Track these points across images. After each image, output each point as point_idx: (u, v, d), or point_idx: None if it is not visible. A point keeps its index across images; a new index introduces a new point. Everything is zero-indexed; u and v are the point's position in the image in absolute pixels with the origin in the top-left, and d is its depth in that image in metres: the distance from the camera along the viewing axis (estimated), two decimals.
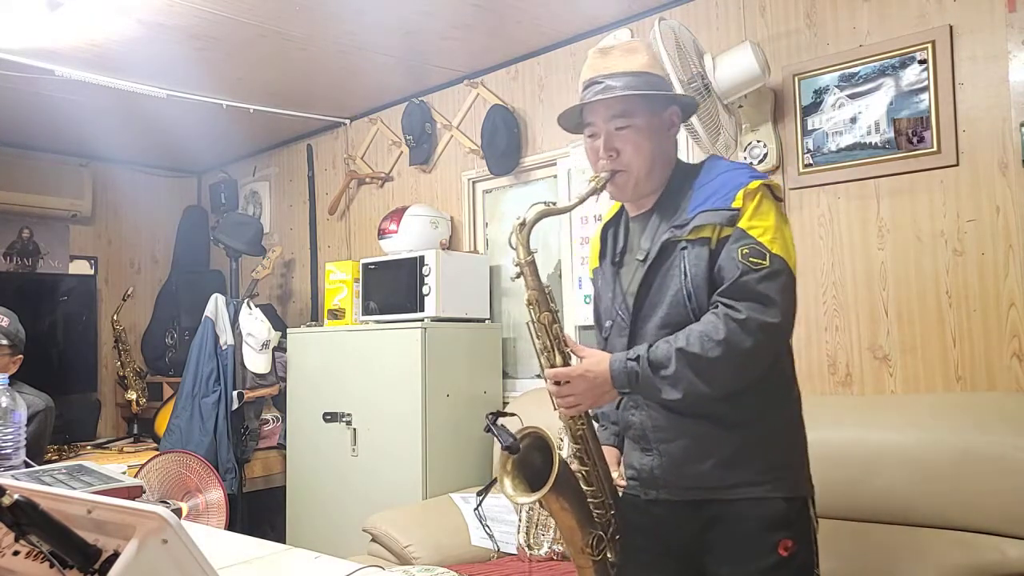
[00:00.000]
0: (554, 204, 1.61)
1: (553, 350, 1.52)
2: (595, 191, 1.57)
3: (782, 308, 1.41)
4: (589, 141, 1.60)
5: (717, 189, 1.49)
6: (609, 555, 1.57)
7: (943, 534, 1.97)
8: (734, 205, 1.45)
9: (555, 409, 1.54)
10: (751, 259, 1.41)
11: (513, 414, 1.55)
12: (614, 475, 1.62)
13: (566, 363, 1.51)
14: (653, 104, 1.56)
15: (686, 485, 1.50)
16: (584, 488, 1.56)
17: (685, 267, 1.47)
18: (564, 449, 1.60)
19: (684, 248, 1.48)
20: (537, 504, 2.80)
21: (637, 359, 1.44)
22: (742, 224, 1.43)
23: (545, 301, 1.54)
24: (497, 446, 3.15)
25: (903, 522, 2.04)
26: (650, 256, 1.53)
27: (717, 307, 1.42)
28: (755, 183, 1.46)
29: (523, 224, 1.56)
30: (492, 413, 1.51)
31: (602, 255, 1.69)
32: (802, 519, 1.48)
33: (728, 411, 1.46)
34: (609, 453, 1.66)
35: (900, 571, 1.98)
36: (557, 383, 1.49)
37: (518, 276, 1.56)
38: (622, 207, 1.69)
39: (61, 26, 2.97)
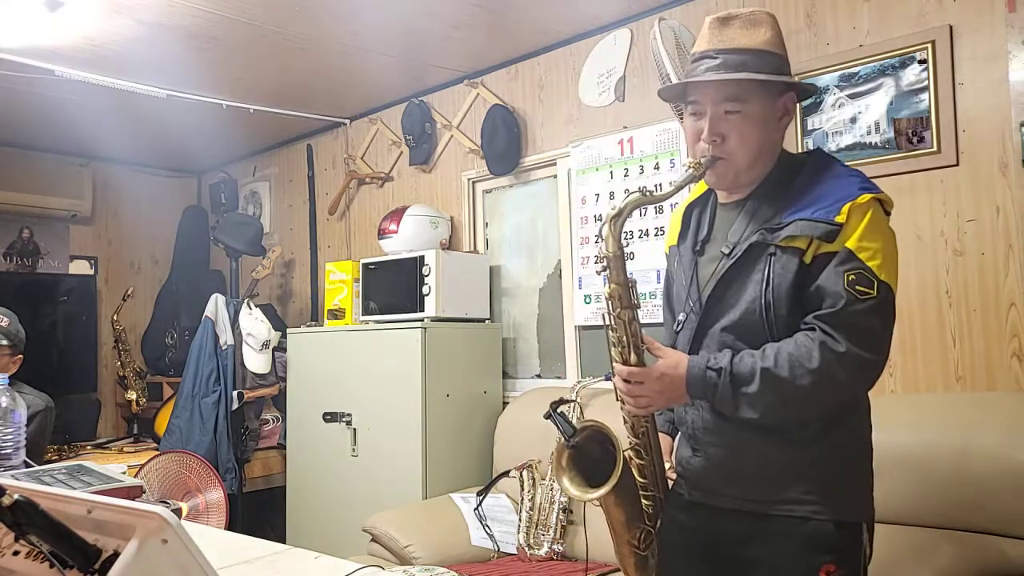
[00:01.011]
0: (651, 192, 1.45)
1: (628, 347, 1.43)
2: (693, 178, 1.43)
3: (884, 344, 1.33)
4: (691, 119, 1.45)
5: (822, 196, 1.35)
6: (654, 548, 1.54)
7: (943, 534, 1.97)
8: (838, 219, 1.31)
9: (620, 404, 1.47)
10: (858, 287, 1.29)
11: (573, 400, 1.51)
12: (666, 466, 1.57)
13: (640, 362, 1.43)
14: (769, 89, 1.41)
15: (728, 493, 1.43)
16: (639, 480, 1.53)
17: (769, 275, 1.36)
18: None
19: (772, 254, 1.36)
20: (539, 504, 2.80)
21: (719, 371, 1.35)
22: (850, 244, 1.31)
23: (628, 297, 1.44)
24: (500, 445, 3.16)
25: (903, 522, 2.04)
26: (735, 254, 1.41)
27: (813, 331, 1.31)
28: (865, 197, 1.33)
29: (618, 214, 1.42)
30: (555, 402, 1.48)
31: (682, 236, 1.57)
32: (852, 545, 1.37)
33: (787, 425, 1.38)
34: (663, 441, 1.60)
35: (900, 571, 1.98)
36: (628, 381, 1.42)
37: (604, 270, 1.45)
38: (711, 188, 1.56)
39: (61, 26, 2.97)
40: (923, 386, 2.32)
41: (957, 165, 2.27)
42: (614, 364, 1.45)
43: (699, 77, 1.41)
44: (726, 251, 1.44)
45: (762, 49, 1.40)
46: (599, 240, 1.45)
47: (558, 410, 1.46)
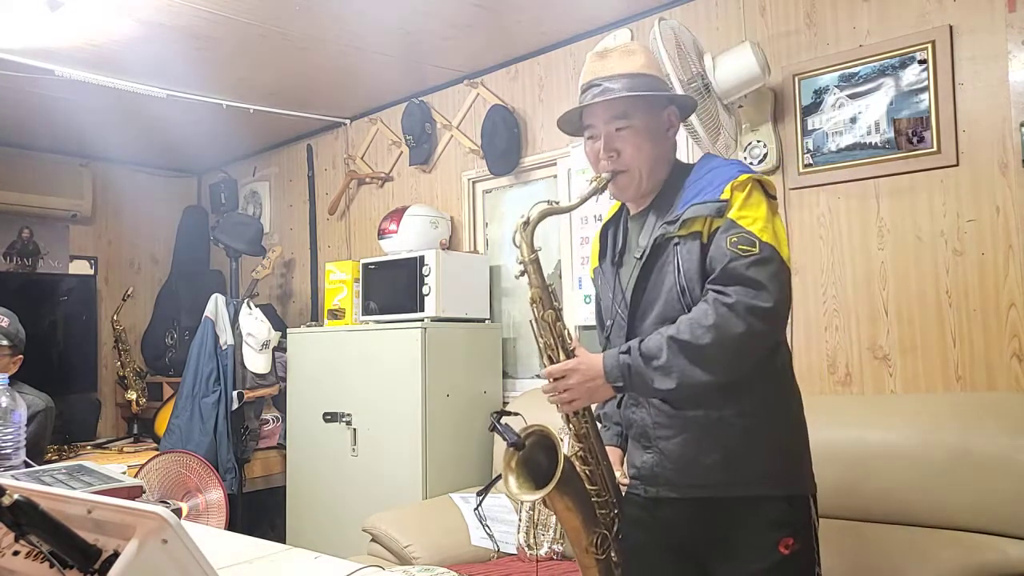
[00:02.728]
0: (557, 203, 1.61)
1: (557, 348, 1.53)
2: (596, 191, 1.58)
3: (774, 293, 1.40)
4: (589, 143, 1.61)
5: (708, 184, 1.50)
6: (613, 554, 1.57)
7: (943, 534, 1.97)
8: (722, 197, 1.45)
9: (552, 403, 1.55)
10: (740, 247, 1.41)
11: (517, 413, 1.55)
12: (617, 474, 1.63)
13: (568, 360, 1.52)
14: (652, 105, 1.57)
15: (686, 483, 1.50)
16: (588, 487, 1.57)
17: (678, 262, 1.48)
18: (565, 445, 1.60)
19: (677, 244, 1.49)
20: (541, 504, 2.80)
21: (628, 351, 1.45)
22: (732, 215, 1.44)
23: (548, 299, 1.55)
24: (499, 445, 3.16)
25: (903, 522, 2.04)
26: (645, 253, 1.54)
27: (707, 294, 1.43)
28: (744, 176, 1.47)
29: (527, 223, 1.57)
30: (496, 412, 1.52)
31: (602, 255, 1.71)
32: (804, 517, 1.48)
33: (728, 409, 1.46)
34: (613, 454, 1.66)
35: (900, 571, 1.98)
36: (555, 378, 1.51)
37: (522, 274, 1.56)
38: (622, 207, 1.70)
39: (61, 26, 2.97)
40: (923, 386, 2.32)
41: (957, 165, 2.27)
42: (544, 367, 1.54)
43: (587, 102, 1.57)
44: (638, 255, 1.56)
45: (638, 72, 1.56)
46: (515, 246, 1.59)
47: (501, 420, 1.49)
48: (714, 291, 1.41)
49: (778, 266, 1.42)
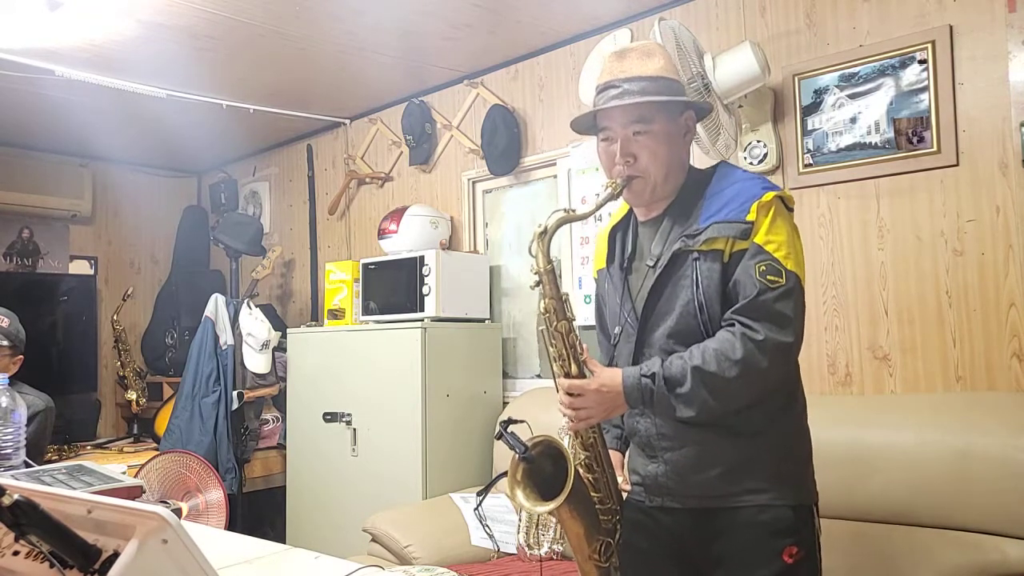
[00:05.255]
0: (573, 211, 1.58)
1: (569, 359, 1.50)
2: (612, 197, 1.55)
3: (796, 327, 1.41)
4: (604, 145, 1.57)
5: (730, 200, 1.47)
6: (615, 559, 1.56)
7: (943, 534, 1.97)
8: (748, 218, 1.43)
9: (564, 417, 1.52)
10: (768, 277, 1.40)
11: (523, 421, 1.53)
12: (619, 479, 1.62)
13: (581, 372, 1.49)
14: (670, 109, 1.54)
15: (691, 493, 1.49)
16: (592, 494, 1.56)
17: (697, 278, 1.46)
18: (565, 442, 1.59)
19: (696, 259, 1.47)
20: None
21: (652, 376, 1.43)
22: (758, 239, 1.42)
23: (563, 310, 1.52)
24: (499, 444, 3.16)
25: (903, 522, 2.04)
26: (661, 264, 1.51)
27: (733, 325, 1.41)
28: (769, 195, 1.44)
29: (544, 232, 1.53)
30: (504, 421, 1.51)
31: (609, 259, 1.67)
32: (807, 526, 1.47)
33: (734, 420, 1.45)
34: (613, 457, 1.65)
35: (900, 571, 1.98)
36: (570, 394, 1.48)
37: (537, 285, 1.53)
38: (630, 209, 1.67)
39: (61, 26, 2.97)
40: (923, 386, 2.32)
41: (957, 165, 2.27)
42: (556, 380, 1.52)
43: (605, 105, 1.53)
44: (651, 264, 1.54)
45: (657, 76, 1.53)
46: (531, 256, 1.55)
47: (508, 429, 1.48)
48: (741, 323, 1.40)
49: (799, 295, 1.42)
